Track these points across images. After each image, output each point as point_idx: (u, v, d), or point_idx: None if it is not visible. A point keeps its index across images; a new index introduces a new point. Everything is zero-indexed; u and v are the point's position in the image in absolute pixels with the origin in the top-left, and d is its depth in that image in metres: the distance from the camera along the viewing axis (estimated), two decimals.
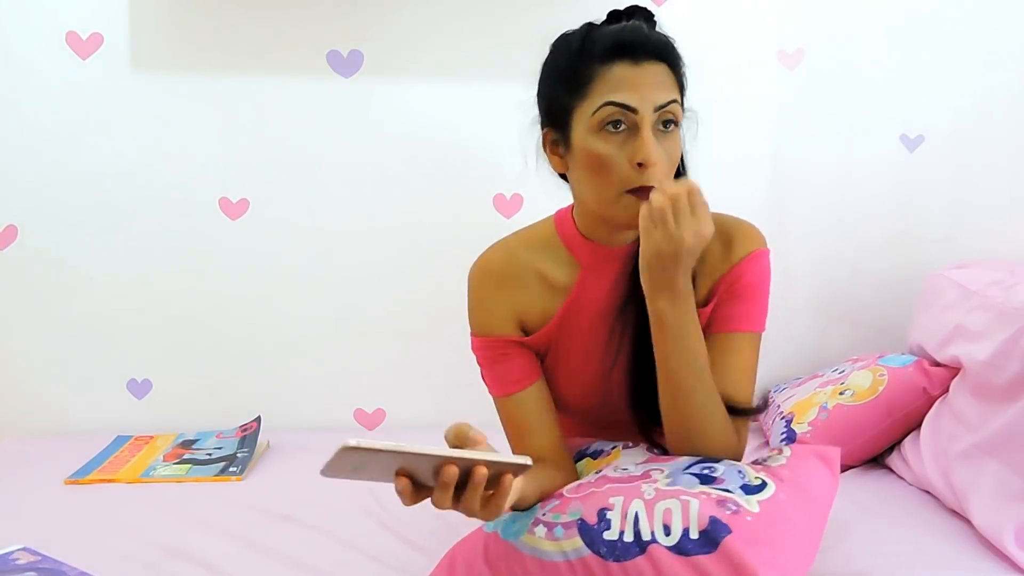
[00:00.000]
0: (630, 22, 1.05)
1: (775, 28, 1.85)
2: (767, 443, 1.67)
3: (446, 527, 1.32)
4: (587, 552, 0.96)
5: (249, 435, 1.74)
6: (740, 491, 0.98)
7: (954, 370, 1.47)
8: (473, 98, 1.83)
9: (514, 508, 1.03)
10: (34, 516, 1.42)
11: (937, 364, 1.54)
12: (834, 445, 1.50)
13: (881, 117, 1.89)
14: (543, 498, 1.04)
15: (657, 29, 1.06)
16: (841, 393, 1.59)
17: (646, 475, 1.03)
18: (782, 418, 1.64)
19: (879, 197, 1.91)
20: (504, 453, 0.83)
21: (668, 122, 1.01)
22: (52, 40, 1.75)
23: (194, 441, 1.77)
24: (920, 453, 1.44)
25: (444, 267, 1.84)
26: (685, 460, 1.05)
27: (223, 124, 1.81)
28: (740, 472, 1.02)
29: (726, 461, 1.04)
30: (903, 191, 1.91)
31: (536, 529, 0.99)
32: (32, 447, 1.76)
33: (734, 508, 0.95)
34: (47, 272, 1.82)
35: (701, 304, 1.10)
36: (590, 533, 0.96)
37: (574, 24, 1.07)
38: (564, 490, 1.05)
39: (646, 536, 0.94)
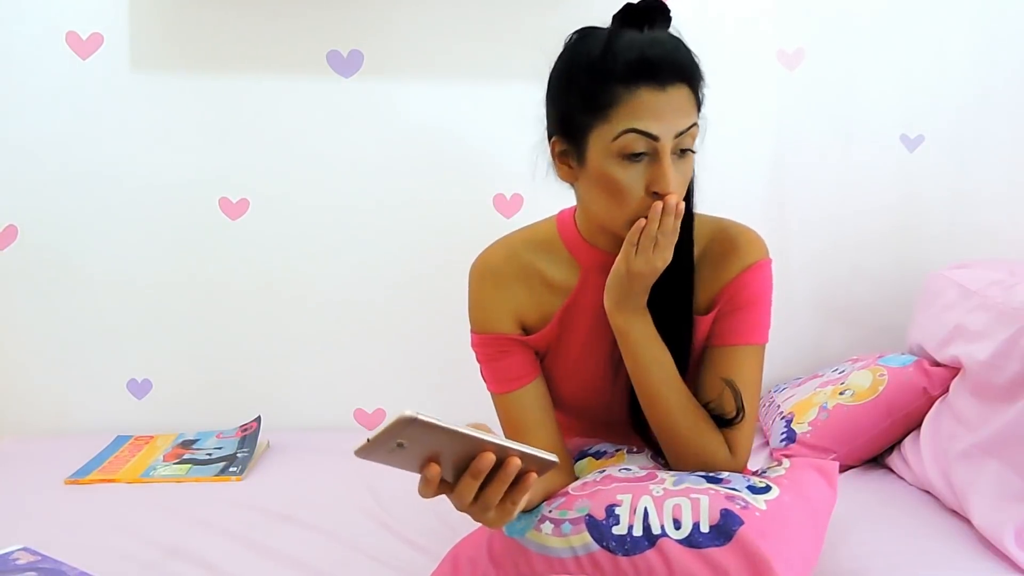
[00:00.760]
0: (652, 32, 0.98)
1: (775, 28, 1.85)
2: (767, 443, 1.67)
3: (446, 527, 1.33)
4: (596, 547, 0.96)
5: (249, 435, 1.74)
6: (747, 491, 0.99)
7: (954, 370, 1.47)
8: (473, 98, 1.83)
9: None
10: (34, 516, 1.42)
11: (937, 364, 1.54)
12: (834, 445, 1.52)
13: (881, 117, 1.89)
14: (546, 499, 1.04)
15: (672, 32, 1.01)
16: (841, 393, 1.59)
17: (651, 475, 1.04)
18: (782, 418, 1.64)
19: (879, 197, 1.91)
20: (534, 448, 0.81)
21: (685, 150, 1.00)
22: (52, 40, 1.75)
23: (194, 441, 1.77)
24: (920, 453, 1.44)
25: (444, 267, 1.84)
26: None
27: (223, 124, 1.81)
28: (745, 477, 1.04)
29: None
30: (903, 191, 1.91)
31: (543, 526, 1.00)
32: (32, 447, 1.76)
33: (743, 504, 0.96)
34: (47, 272, 1.82)
35: (702, 312, 1.10)
36: (599, 528, 0.97)
37: (574, 25, 1.04)
38: (569, 488, 1.05)
39: (656, 530, 0.95)
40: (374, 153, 1.84)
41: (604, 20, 1.03)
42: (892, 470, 1.52)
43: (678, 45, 0.99)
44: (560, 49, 1.05)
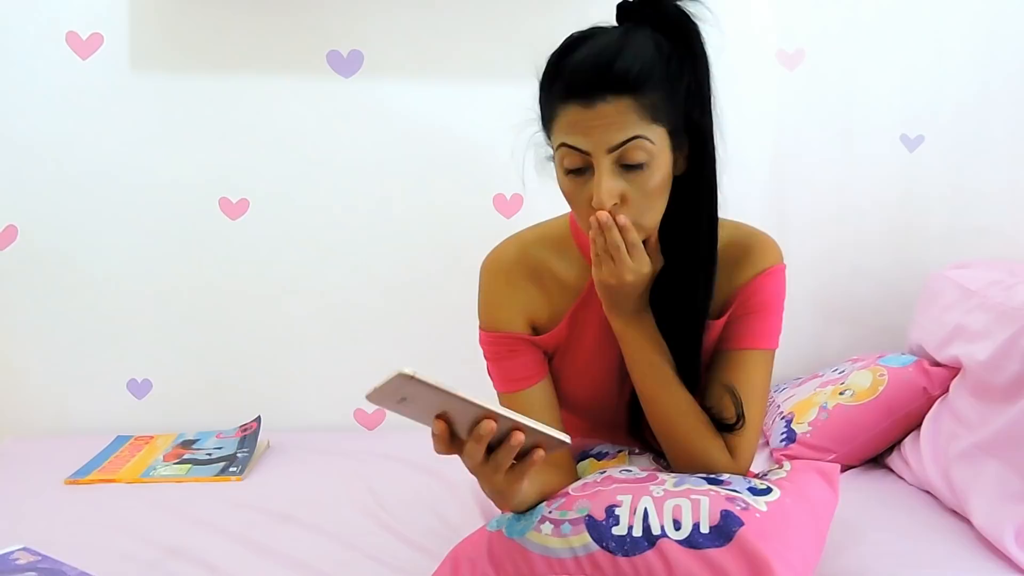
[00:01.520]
0: (602, 42, 0.95)
1: (775, 28, 1.85)
2: (767, 443, 1.67)
3: (446, 527, 1.33)
4: (595, 548, 0.96)
5: (249, 435, 1.74)
6: (748, 492, 0.99)
7: (954, 370, 1.47)
8: (473, 98, 1.83)
9: (514, 510, 1.03)
10: (34, 516, 1.42)
11: (937, 364, 1.54)
12: (834, 445, 1.53)
13: (881, 117, 1.89)
14: (544, 499, 1.04)
15: (646, 35, 0.97)
16: (841, 393, 1.59)
17: (652, 476, 1.04)
18: (782, 418, 1.64)
19: (879, 197, 1.91)
20: (545, 425, 0.83)
21: (629, 166, 0.95)
22: (52, 40, 1.75)
23: (194, 441, 1.77)
24: (920, 453, 1.44)
25: (444, 267, 1.85)
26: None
27: (223, 124, 1.81)
28: (745, 478, 1.04)
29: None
30: (903, 191, 1.91)
31: (542, 527, 1.00)
32: (32, 447, 1.75)
33: (743, 505, 0.96)
34: (47, 272, 1.82)
35: (715, 316, 1.09)
36: (598, 529, 0.97)
37: (573, 25, 1.03)
38: (569, 488, 1.05)
39: (656, 531, 0.95)
40: (374, 153, 1.84)
41: (603, 20, 1.03)
42: (892, 470, 1.52)
43: (628, 54, 0.93)
44: None
